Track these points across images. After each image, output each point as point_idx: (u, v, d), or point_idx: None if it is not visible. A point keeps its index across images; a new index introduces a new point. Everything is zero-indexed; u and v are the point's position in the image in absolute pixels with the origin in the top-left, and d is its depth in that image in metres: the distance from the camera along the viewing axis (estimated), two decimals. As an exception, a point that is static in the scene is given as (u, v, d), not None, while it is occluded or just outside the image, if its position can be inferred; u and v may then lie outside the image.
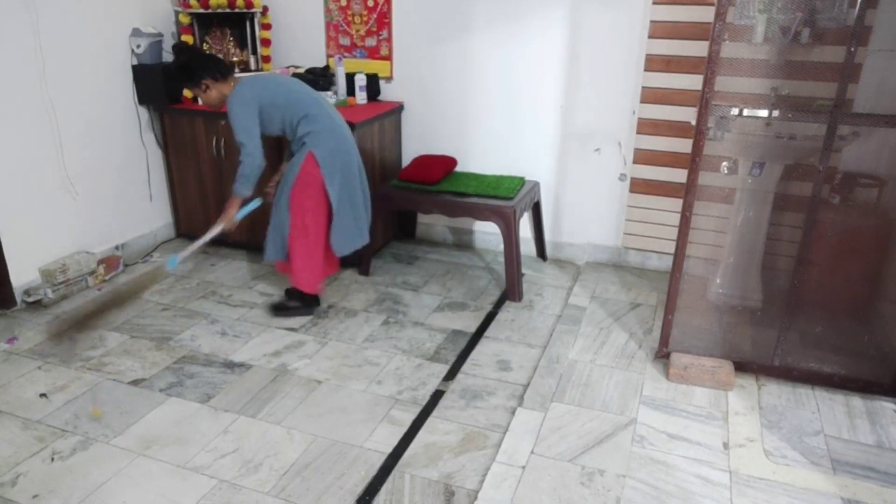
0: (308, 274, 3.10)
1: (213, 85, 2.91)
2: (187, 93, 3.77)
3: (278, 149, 3.43)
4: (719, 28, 2.30)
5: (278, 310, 3.23)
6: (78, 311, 3.08)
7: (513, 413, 2.49)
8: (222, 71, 2.94)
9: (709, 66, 2.36)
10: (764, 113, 2.71)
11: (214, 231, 2.95)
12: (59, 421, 2.44)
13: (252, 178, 2.90)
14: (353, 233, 3.13)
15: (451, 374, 2.76)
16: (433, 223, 4.14)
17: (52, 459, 2.24)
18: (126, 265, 3.70)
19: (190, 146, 3.81)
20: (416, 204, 3.51)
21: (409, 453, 2.29)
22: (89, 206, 3.57)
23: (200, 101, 3.08)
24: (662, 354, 2.80)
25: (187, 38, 3.73)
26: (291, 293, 3.25)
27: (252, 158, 2.86)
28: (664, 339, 2.77)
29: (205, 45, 3.86)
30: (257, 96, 2.86)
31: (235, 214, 2.97)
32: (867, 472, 2.20)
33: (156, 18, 3.81)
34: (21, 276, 3.24)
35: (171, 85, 3.68)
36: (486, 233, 4.00)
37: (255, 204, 3.08)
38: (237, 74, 3.03)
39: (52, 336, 2.97)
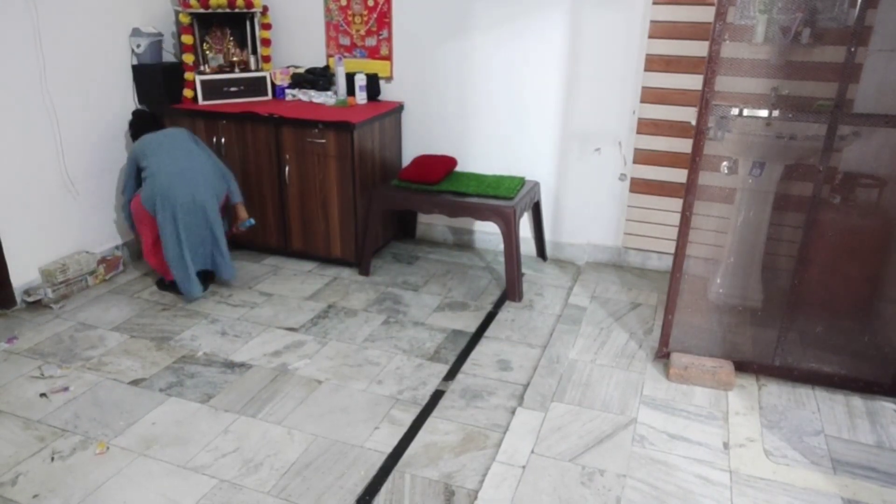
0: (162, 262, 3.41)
1: None
2: (188, 92, 3.78)
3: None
4: (719, 28, 2.30)
5: (161, 285, 3.52)
6: None
7: (513, 413, 2.49)
8: (144, 130, 3.45)
9: (709, 66, 2.36)
10: (764, 113, 2.71)
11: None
12: (59, 421, 2.44)
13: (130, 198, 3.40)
14: (188, 276, 3.30)
15: (451, 374, 2.76)
16: (433, 223, 4.14)
17: (53, 459, 2.24)
18: (126, 265, 3.70)
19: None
20: (416, 204, 3.51)
21: (409, 453, 2.29)
22: (90, 205, 3.57)
23: None
24: (663, 354, 2.80)
25: (187, 39, 3.72)
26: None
27: (127, 200, 3.41)
28: (664, 339, 2.77)
29: (205, 44, 3.86)
30: (134, 152, 3.33)
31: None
32: (867, 472, 2.20)
33: (156, 18, 3.81)
34: (21, 276, 3.24)
35: (173, 86, 3.80)
36: (487, 233, 4.00)
37: (249, 223, 3.54)
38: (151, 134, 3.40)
39: None
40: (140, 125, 3.52)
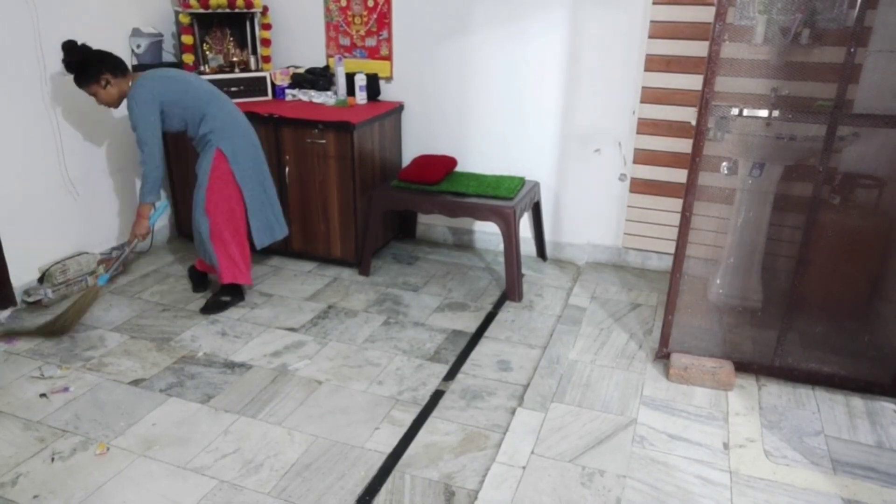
0: (234, 268, 3.20)
1: (114, 81, 2.90)
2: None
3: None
4: (719, 28, 2.30)
5: (213, 308, 3.25)
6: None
7: (513, 413, 2.49)
8: (121, 66, 2.93)
9: (709, 67, 2.36)
10: (764, 113, 2.71)
11: (132, 243, 3.04)
12: (59, 421, 2.44)
13: (157, 183, 2.95)
14: (272, 225, 3.29)
15: (451, 375, 2.76)
16: (433, 223, 4.14)
17: (53, 460, 2.24)
18: (125, 265, 3.70)
19: (190, 146, 3.79)
20: (416, 204, 3.51)
21: (409, 453, 2.29)
22: (90, 206, 3.56)
23: (97, 100, 2.97)
24: (663, 355, 2.80)
25: (187, 39, 3.73)
26: (222, 287, 3.29)
27: (154, 162, 2.90)
28: (664, 339, 2.77)
29: (204, 45, 3.86)
30: (159, 95, 2.86)
31: (147, 223, 3.04)
32: (867, 472, 2.20)
33: (156, 18, 3.81)
34: (21, 276, 3.24)
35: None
36: (487, 233, 4.00)
37: (164, 206, 3.10)
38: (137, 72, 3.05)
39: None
40: (99, 57, 2.89)
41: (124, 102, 2.97)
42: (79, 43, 2.89)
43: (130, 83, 2.95)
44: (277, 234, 3.34)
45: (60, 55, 2.92)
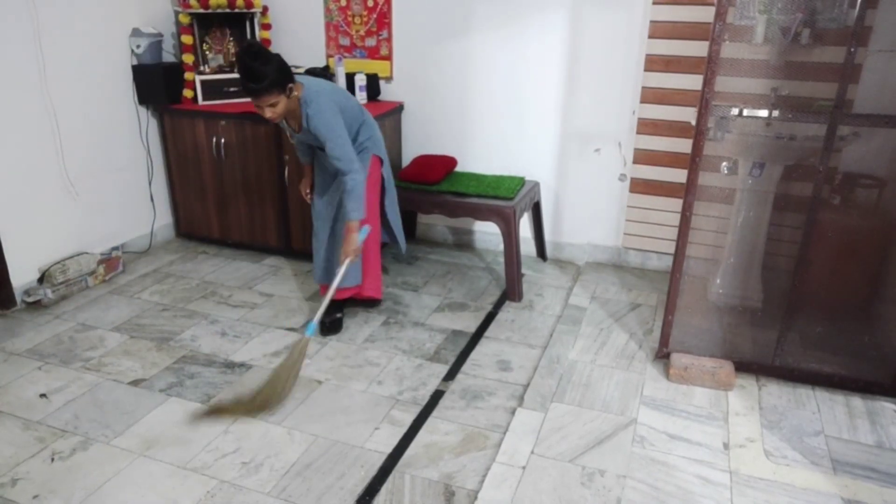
0: (377, 278, 3.10)
1: (296, 89, 2.53)
2: (187, 93, 3.77)
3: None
4: (719, 28, 2.30)
5: (334, 328, 3.06)
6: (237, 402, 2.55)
7: (513, 413, 2.49)
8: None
9: (709, 67, 2.36)
10: (764, 113, 2.71)
11: (343, 268, 2.65)
12: (59, 421, 2.44)
13: (364, 196, 2.64)
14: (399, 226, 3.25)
15: (451, 375, 2.76)
16: (433, 223, 4.14)
17: (53, 460, 2.24)
18: (126, 265, 3.70)
19: (190, 146, 3.81)
20: (416, 204, 3.50)
21: (409, 453, 2.29)
22: (89, 206, 3.57)
23: (270, 113, 2.51)
24: (663, 355, 2.80)
25: (187, 39, 3.72)
26: (339, 303, 3.09)
27: (358, 173, 2.59)
28: (664, 339, 2.77)
29: (204, 45, 3.86)
30: (335, 103, 2.59)
31: (358, 237, 2.66)
32: (867, 472, 2.20)
33: (156, 18, 3.81)
34: (21, 276, 3.24)
35: (173, 86, 3.72)
36: (487, 233, 4.00)
37: (367, 230, 2.74)
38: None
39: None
40: (286, 66, 2.55)
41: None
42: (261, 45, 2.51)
43: (298, 92, 2.58)
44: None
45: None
